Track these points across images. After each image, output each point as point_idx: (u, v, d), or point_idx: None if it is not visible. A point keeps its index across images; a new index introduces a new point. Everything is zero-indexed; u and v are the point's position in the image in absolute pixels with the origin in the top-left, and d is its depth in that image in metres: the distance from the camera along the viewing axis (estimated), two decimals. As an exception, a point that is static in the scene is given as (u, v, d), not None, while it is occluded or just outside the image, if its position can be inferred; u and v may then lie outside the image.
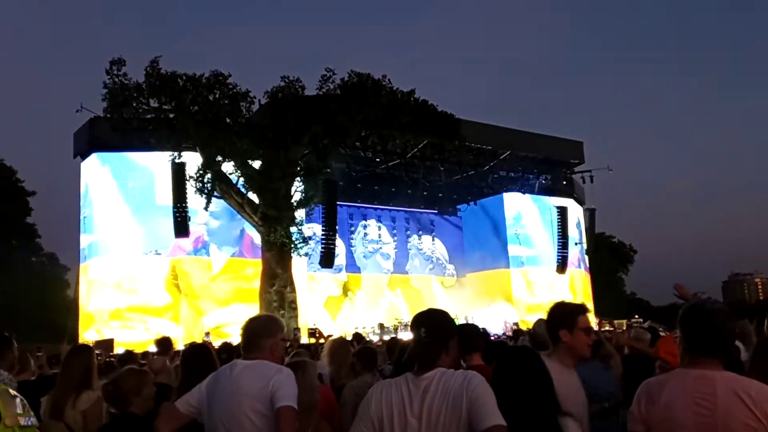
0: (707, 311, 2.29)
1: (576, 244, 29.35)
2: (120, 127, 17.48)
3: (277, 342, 3.07)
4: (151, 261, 20.26)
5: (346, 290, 26.89)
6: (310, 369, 3.42)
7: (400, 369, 2.64)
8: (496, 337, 15.19)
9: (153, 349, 9.06)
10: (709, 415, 2.14)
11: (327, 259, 20.93)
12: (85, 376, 3.94)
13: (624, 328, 18.52)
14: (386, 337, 16.36)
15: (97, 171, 21.06)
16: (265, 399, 2.78)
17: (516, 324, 22.39)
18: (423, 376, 2.33)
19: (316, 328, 19.52)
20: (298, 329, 18.29)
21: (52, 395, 3.92)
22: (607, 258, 44.33)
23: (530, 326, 8.05)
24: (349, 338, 10.60)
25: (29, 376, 5.00)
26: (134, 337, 18.67)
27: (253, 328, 3.09)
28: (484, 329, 12.15)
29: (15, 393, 2.05)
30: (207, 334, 17.75)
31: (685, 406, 2.19)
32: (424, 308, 2.65)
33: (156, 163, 19.55)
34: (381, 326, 22.72)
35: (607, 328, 22.03)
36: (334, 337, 10.75)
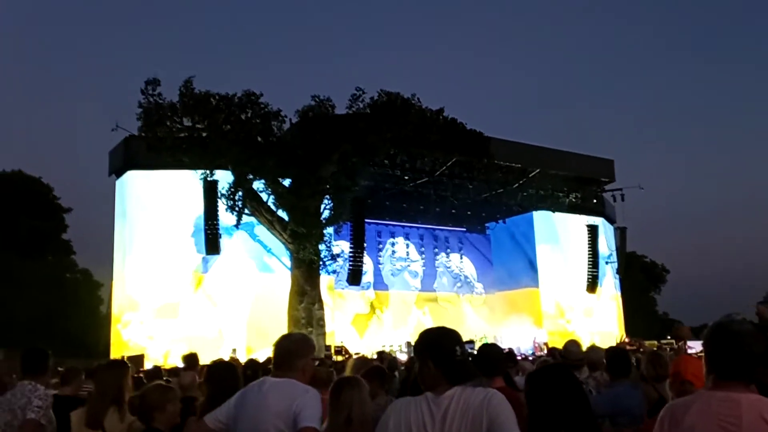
0: (734, 332, 2.20)
1: (607, 263, 29.00)
2: (154, 146, 17.77)
3: (309, 362, 3.10)
4: (184, 277, 20.54)
5: (374, 308, 26.92)
6: (363, 385, 3.46)
7: (417, 389, 2.66)
8: (523, 356, 15.07)
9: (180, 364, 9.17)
10: None
11: (354, 277, 21.02)
12: (119, 390, 3.98)
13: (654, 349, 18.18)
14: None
15: (131, 189, 21.46)
16: (289, 419, 2.80)
17: (545, 344, 22.15)
18: (443, 395, 2.31)
19: (343, 346, 19.54)
20: (329, 347, 18.35)
21: (88, 407, 4.00)
22: (638, 278, 43.65)
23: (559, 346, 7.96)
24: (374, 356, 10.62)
25: (72, 391, 5.12)
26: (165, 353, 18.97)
27: (286, 347, 3.08)
28: (510, 349, 12.02)
29: None
30: (234, 350, 17.91)
31: (709, 429, 2.11)
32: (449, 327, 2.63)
33: (189, 182, 19.90)
34: (408, 344, 22.63)
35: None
36: (359, 354, 10.77)
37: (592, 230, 26.98)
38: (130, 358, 18.32)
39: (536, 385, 2.64)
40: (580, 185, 27.56)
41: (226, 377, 3.99)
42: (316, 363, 3.81)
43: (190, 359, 7.43)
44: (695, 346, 13.98)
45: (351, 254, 20.64)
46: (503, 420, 2.20)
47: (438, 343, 2.41)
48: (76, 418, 3.97)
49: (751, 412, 2.08)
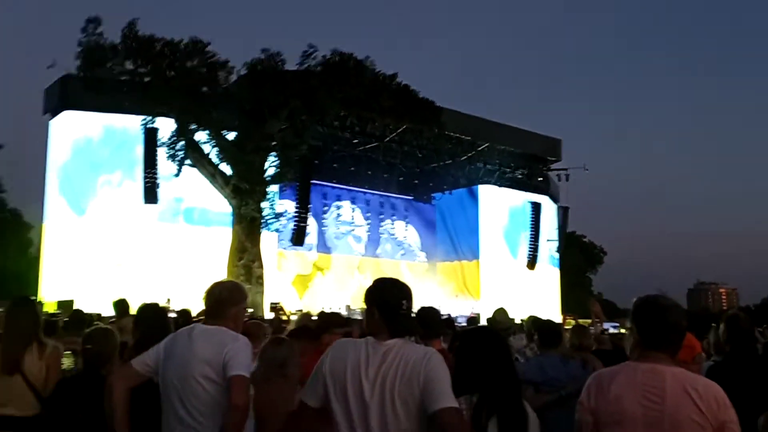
0: (662, 306, 2.28)
1: (547, 241, 29.54)
2: (93, 87, 17.14)
3: (241, 310, 3.06)
4: (117, 223, 19.91)
5: (316, 269, 26.80)
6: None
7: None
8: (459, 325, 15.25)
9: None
10: (658, 409, 2.15)
11: (298, 237, 20.87)
12: (35, 327, 3.79)
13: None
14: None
15: (66, 129, 20.60)
16: (218, 366, 2.76)
17: (477, 314, 22.55)
18: (384, 343, 2.32)
19: (278, 303, 19.40)
20: (276, 305, 18.32)
21: (2, 349, 3.68)
22: (577, 257, 44.82)
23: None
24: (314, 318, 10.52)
25: None
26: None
27: (219, 294, 3.01)
28: (448, 315, 12.19)
29: None
30: (168, 300, 17.55)
31: (633, 399, 2.19)
32: None
33: (128, 127, 19.21)
34: (348, 308, 22.68)
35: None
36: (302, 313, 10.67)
37: (536, 208, 27.38)
38: (61, 303, 17.79)
39: (466, 342, 2.73)
40: (527, 162, 27.89)
41: (155, 320, 3.92)
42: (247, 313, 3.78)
43: (122, 305, 7.30)
44: (608, 328, 14.34)
45: (296, 214, 20.44)
46: (440, 380, 2.22)
47: (386, 294, 2.42)
48: None
49: (674, 384, 2.16)
